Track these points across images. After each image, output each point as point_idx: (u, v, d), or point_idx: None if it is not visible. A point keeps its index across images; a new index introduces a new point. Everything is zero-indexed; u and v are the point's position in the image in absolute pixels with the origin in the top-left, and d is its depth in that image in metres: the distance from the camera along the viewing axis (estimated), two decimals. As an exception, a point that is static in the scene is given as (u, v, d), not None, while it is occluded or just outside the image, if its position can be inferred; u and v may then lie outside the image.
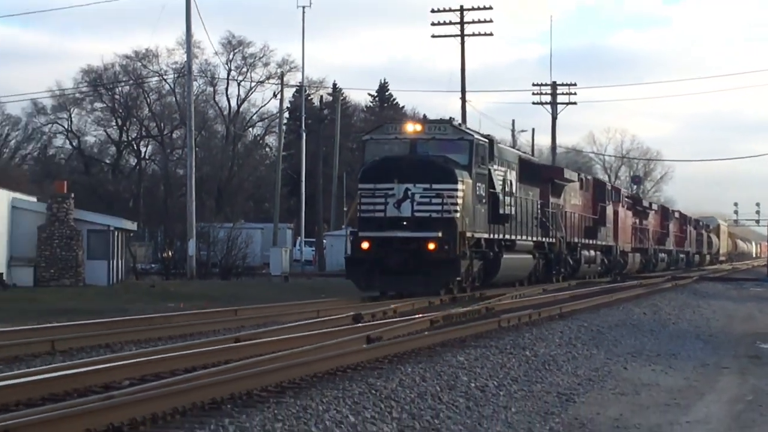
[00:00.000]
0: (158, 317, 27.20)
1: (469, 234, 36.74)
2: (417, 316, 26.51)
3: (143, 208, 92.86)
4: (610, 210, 64.81)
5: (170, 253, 70.34)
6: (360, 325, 24.08)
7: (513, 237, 42.52)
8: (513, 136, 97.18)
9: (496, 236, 40.35)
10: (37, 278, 49.36)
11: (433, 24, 68.37)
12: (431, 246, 34.90)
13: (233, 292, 44.90)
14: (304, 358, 16.57)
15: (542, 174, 50.56)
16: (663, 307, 36.16)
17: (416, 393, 14.61)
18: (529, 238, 45.48)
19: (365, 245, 35.87)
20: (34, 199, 55.63)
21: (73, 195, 52.84)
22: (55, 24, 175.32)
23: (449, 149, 37.54)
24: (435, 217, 35.58)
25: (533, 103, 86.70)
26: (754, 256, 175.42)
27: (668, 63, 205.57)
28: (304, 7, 70.11)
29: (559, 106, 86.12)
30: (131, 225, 61.05)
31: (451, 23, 67.90)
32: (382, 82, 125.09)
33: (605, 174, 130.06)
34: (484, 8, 67.72)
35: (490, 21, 67.83)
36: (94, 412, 11.36)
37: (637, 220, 77.40)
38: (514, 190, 43.80)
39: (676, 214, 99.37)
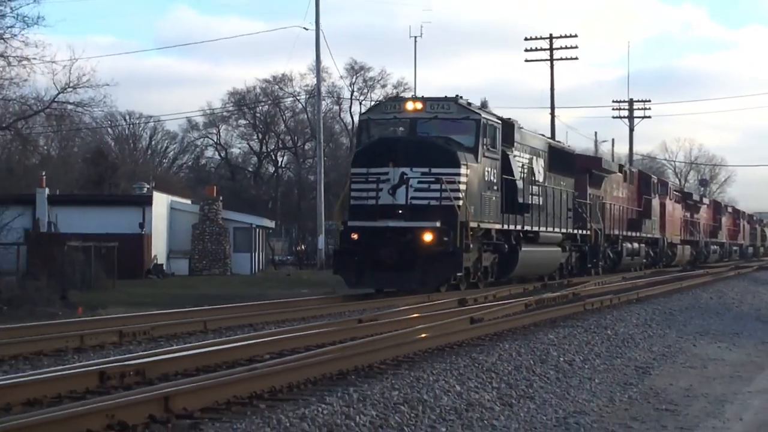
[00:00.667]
0: (293, 301, 27.36)
1: (474, 224, 29.07)
2: (513, 300, 26.37)
3: (280, 208, 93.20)
4: (656, 202, 56.51)
5: (303, 247, 70.85)
6: (464, 308, 23.97)
7: (535, 228, 34.92)
8: (596, 145, 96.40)
9: (512, 227, 32.64)
10: (192, 268, 50.17)
11: (526, 50, 68.20)
12: (428, 237, 27.75)
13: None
14: (417, 336, 16.60)
15: (578, 164, 42.37)
16: (727, 292, 35.58)
17: (513, 366, 14.54)
18: (558, 230, 37.65)
19: (355, 236, 28.49)
20: (189, 202, 56.55)
21: (221, 198, 53.66)
22: (206, 54, 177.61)
23: (453, 129, 29.98)
24: (434, 205, 28.18)
25: (613, 117, 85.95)
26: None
27: (731, 81, 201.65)
28: (416, 37, 69.80)
29: (635, 119, 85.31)
30: (270, 223, 61.85)
31: (541, 49, 67.63)
32: (483, 100, 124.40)
33: (676, 178, 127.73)
34: (570, 36, 67.62)
35: (576, 47, 67.53)
36: (240, 381, 11.45)
37: (688, 214, 69.11)
38: (541, 179, 36.41)
39: (729, 209, 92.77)
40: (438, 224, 27.57)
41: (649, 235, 54.48)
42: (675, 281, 39.98)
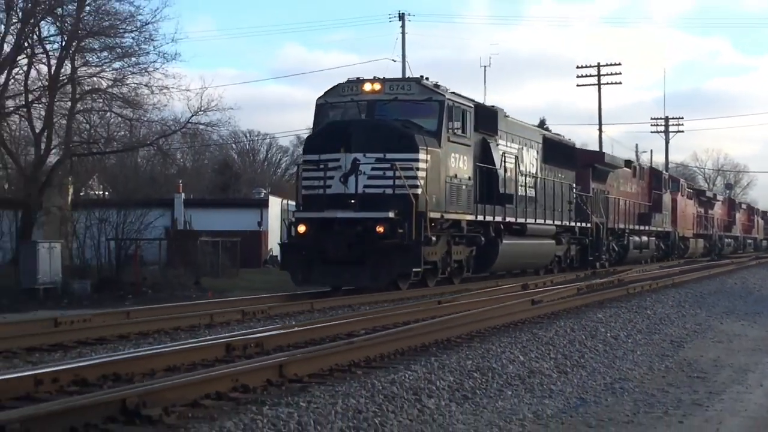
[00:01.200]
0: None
1: (436, 215, 22.87)
2: (567, 285, 26.18)
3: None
4: (667, 198, 49.04)
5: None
6: (527, 291, 23.81)
7: (521, 219, 28.11)
8: (636, 155, 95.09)
9: (489, 218, 25.80)
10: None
11: (578, 76, 67.38)
12: (380, 229, 21.63)
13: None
14: (487, 315, 16.58)
15: (580, 158, 35.67)
16: (749, 278, 35.00)
17: (567, 340, 14.47)
18: (552, 222, 30.71)
19: (302, 229, 22.59)
20: (298, 204, 56.73)
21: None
22: (312, 83, 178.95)
23: (415, 112, 23.57)
24: (388, 194, 22.01)
25: (651, 132, 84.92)
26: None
27: (753, 100, 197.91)
28: (485, 67, 69.16)
29: (670, 133, 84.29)
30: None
31: (590, 76, 66.86)
32: (542, 119, 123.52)
33: (705, 183, 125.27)
34: (615, 64, 66.79)
35: (619, 73, 66.68)
36: (341, 352, 11.55)
37: (701, 209, 61.64)
38: (534, 170, 29.97)
39: (743, 206, 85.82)
40: (391, 215, 21.53)
41: (659, 229, 47.11)
42: (704, 269, 39.44)
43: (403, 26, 54.85)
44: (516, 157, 28.47)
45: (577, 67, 67.94)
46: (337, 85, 24.53)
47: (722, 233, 69.35)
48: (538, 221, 29.64)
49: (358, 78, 24.61)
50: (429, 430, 8.52)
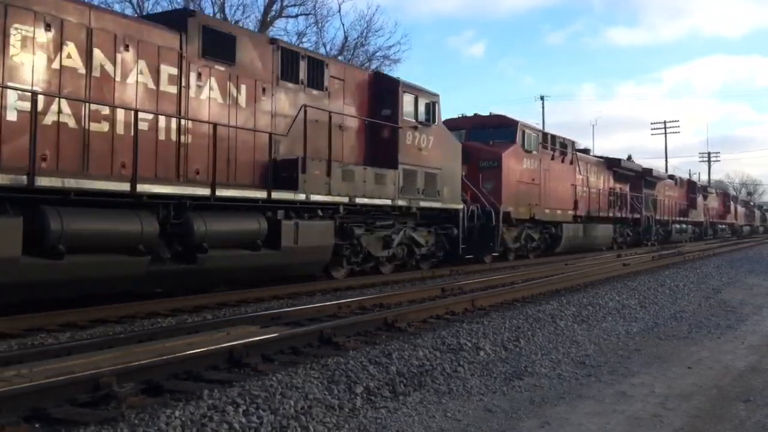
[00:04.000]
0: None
1: None
2: (645, 254, 24.79)
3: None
4: (590, 174, 23.43)
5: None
6: (620, 258, 22.78)
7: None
8: (690, 176, 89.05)
9: None
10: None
11: (651, 129, 64.45)
12: None
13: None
14: (594, 270, 16.00)
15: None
16: (763, 250, 32.10)
17: (646, 287, 13.76)
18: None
19: None
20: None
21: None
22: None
23: None
24: None
25: (699, 161, 79.68)
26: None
27: (762, 141, 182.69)
28: (593, 125, 66.39)
29: (712, 162, 78.58)
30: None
31: (659, 128, 63.51)
32: (629, 155, 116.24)
33: (734, 192, 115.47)
34: (675, 121, 63.62)
35: (678, 125, 63.38)
36: (506, 293, 11.44)
37: (683, 200, 37.38)
38: None
39: (712, 191, 54.72)
40: None
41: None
42: (733, 245, 36.52)
43: (543, 103, 54.09)
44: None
45: (651, 123, 64.53)
46: None
47: (713, 220, 44.29)
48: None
49: None
50: (561, 339, 8.34)
